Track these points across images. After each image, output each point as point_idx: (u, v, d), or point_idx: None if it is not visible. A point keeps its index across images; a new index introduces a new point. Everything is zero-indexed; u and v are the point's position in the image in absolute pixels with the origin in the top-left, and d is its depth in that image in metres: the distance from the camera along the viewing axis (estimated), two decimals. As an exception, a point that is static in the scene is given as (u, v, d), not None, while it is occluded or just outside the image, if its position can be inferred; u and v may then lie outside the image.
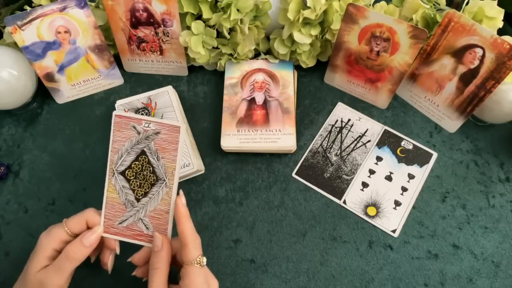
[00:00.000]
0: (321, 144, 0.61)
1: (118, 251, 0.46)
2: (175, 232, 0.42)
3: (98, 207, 0.58)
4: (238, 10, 0.56)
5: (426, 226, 0.55)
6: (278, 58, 0.64)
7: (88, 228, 0.44)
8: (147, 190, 0.43)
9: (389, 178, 0.58)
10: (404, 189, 0.58)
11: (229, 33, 0.59)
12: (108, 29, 0.63)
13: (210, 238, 0.55)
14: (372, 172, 0.59)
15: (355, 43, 0.58)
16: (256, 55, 0.66)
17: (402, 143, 0.61)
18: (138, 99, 0.60)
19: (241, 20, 0.57)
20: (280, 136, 0.58)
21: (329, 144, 0.61)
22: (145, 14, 0.60)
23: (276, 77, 0.63)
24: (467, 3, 0.56)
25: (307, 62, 0.63)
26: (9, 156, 0.61)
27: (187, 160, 0.56)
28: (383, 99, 0.63)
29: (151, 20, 0.60)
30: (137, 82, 0.67)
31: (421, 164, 0.59)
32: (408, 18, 0.59)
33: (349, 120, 0.63)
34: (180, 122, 0.41)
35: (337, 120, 0.63)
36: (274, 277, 0.53)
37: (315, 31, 0.59)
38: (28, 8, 0.58)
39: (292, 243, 0.55)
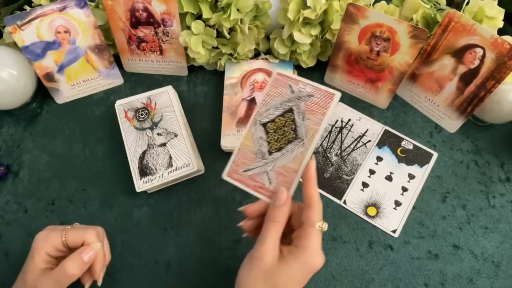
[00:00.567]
0: (321, 144, 0.61)
1: (100, 283, 0.46)
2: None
3: (98, 207, 0.58)
4: (238, 10, 0.56)
5: (426, 226, 0.55)
6: (278, 58, 0.64)
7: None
8: (282, 146, 0.43)
9: (389, 178, 0.58)
10: (404, 189, 0.58)
11: (229, 33, 0.59)
12: (108, 29, 0.63)
13: (210, 238, 0.55)
14: (372, 172, 0.59)
15: (355, 43, 0.58)
16: (256, 55, 0.66)
17: (403, 143, 0.61)
18: (138, 99, 0.60)
19: (241, 20, 0.57)
20: (280, 136, 0.58)
21: (329, 144, 0.61)
22: (145, 14, 0.60)
23: (277, 77, 0.62)
24: (467, 3, 0.56)
25: (307, 62, 0.63)
26: (9, 156, 0.61)
27: (187, 160, 0.56)
28: (383, 99, 0.63)
29: (151, 20, 0.60)
30: (137, 82, 0.67)
31: (421, 164, 0.59)
32: (408, 18, 0.59)
33: (349, 120, 0.63)
34: (336, 91, 0.42)
35: (337, 120, 0.63)
36: (274, 277, 0.53)
37: (315, 31, 0.58)
38: (28, 8, 0.58)
39: (292, 243, 0.54)
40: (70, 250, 0.44)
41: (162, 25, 0.60)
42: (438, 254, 0.54)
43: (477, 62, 0.54)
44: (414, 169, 0.59)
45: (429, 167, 0.59)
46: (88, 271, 0.45)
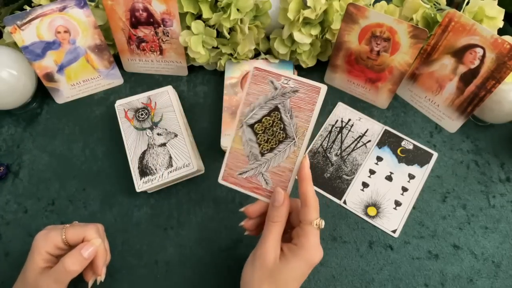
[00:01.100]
0: (321, 144, 0.61)
1: (102, 279, 0.46)
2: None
3: (98, 207, 0.58)
4: (238, 10, 0.56)
5: (426, 226, 0.55)
6: (278, 58, 0.64)
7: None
8: (274, 146, 0.42)
9: (389, 178, 0.58)
10: (404, 189, 0.58)
11: (229, 33, 0.59)
12: (107, 29, 0.63)
13: (210, 238, 0.55)
14: (372, 172, 0.59)
15: (355, 43, 0.58)
16: (256, 55, 0.66)
17: (403, 143, 0.61)
18: (138, 99, 0.60)
19: (241, 20, 0.57)
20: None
21: (329, 144, 0.61)
22: (145, 14, 0.59)
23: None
24: (467, 3, 0.56)
25: (307, 62, 0.63)
26: (9, 156, 0.61)
27: (187, 160, 0.56)
28: (383, 99, 0.63)
29: (151, 20, 0.60)
30: (137, 82, 0.67)
31: (421, 164, 0.59)
32: (409, 18, 0.59)
33: (349, 120, 0.63)
34: (321, 84, 0.41)
35: (337, 120, 0.63)
36: (274, 277, 0.53)
37: (315, 31, 0.58)
38: (28, 8, 0.58)
39: (292, 243, 0.54)
40: (70, 247, 0.44)
41: (162, 25, 0.60)
42: (438, 254, 0.54)
43: (477, 62, 0.54)
44: (414, 169, 0.59)
45: (429, 167, 0.59)
46: (91, 268, 0.45)
